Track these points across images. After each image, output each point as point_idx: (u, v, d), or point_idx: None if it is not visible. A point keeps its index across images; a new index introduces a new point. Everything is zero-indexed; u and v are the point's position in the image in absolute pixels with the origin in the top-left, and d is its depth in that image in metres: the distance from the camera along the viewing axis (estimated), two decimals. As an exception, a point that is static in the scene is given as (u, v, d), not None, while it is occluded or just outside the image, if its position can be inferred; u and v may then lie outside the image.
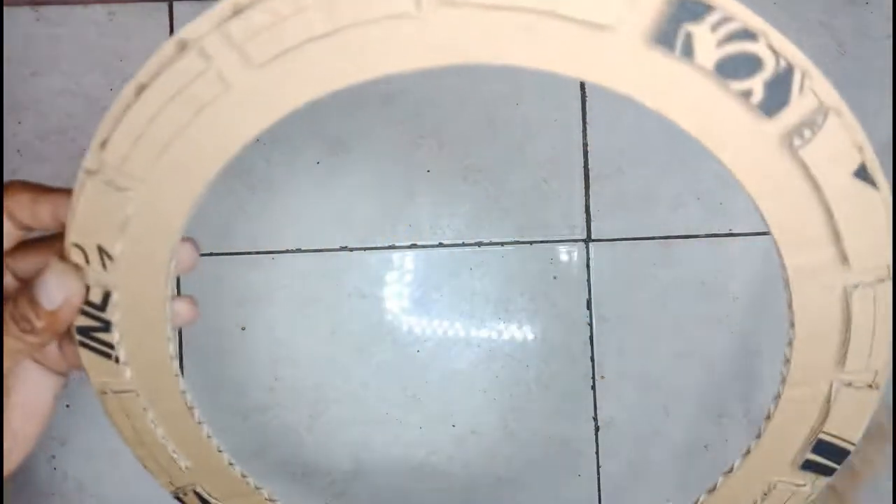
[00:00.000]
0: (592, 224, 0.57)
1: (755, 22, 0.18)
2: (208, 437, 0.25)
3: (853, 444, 0.21)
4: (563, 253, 0.57)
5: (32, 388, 0.25)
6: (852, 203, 0.19)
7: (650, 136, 0.57)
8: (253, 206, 0.57)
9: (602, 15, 0.17)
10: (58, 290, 0.21)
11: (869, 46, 0.57)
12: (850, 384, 0.20)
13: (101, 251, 0.21)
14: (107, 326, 0.23)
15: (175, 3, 0.58)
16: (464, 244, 0.57)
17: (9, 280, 0.24)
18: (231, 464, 0.26)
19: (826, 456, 0.21)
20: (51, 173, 0.58)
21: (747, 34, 0.17)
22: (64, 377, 0.26)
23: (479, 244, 0.57)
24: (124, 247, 0.21)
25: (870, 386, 0.20)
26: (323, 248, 0.57)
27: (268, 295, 0.57)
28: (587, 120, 0.57)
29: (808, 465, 0.22)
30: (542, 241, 0.57)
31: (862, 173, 0.19)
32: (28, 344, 0.22)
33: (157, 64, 0.19)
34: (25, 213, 0.23)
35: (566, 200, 0.57)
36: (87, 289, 0.22)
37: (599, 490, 0.57)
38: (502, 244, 0.57)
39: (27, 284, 0.22)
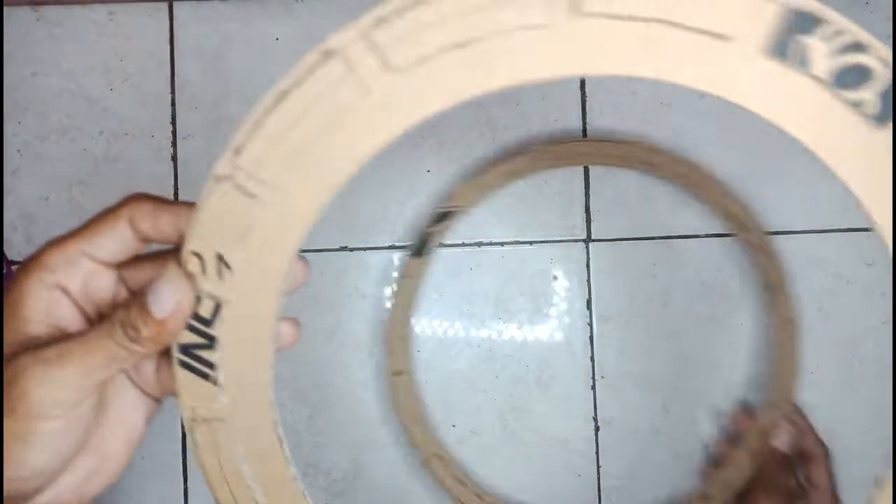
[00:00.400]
0: (592, 224, 0.57)
1: (864, 35, 0.18)
2: (294, 479, 0.24)
3: None
4: (563, 253, 0.57)
5: (128, 410, 0.25)
6: None
7: (650, 135, 0.57)
8: (253, 206, 0.57)
9: (721, 25, 0.18)
10: (169, 298, 0.21)
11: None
12: None
13: (220, 260, 0.22)
14: (211, 343, 0.22)
15: (175, 3, 0.58)
16: (464, 244, 0.57)
17: (122, 291, 0.24)
18: None
19: None
20: (50, 173, 0.58)
21: (858, 46, 0.18)
22: (156, 402, 0.25)
23: (479, 244, 0.57)
24: (244, 256, 0.22)
25: None
26: (323, 247, 0.57)
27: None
28: (587, 120, 0.57)
29: None
30: (542, 241, 0.57)
31: None
32: (130, 353, 0.22)
33: (300, 71, 0.19)
34: (147, 223, 0.23)
35: (566, 200, 0.57)
36: (198, 300, 0.22)
37: (599, 490, 0.57)
38: (502, 244, 0.57)
39: (139, 293, 0.22)
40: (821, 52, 0.18)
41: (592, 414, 0.57)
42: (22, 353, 0.21)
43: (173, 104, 0.58)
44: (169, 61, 0.58)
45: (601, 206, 0.57)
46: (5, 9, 0.58)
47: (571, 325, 0.57)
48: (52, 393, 0.21)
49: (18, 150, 0.58)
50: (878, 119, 0.18)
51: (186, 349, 0.23)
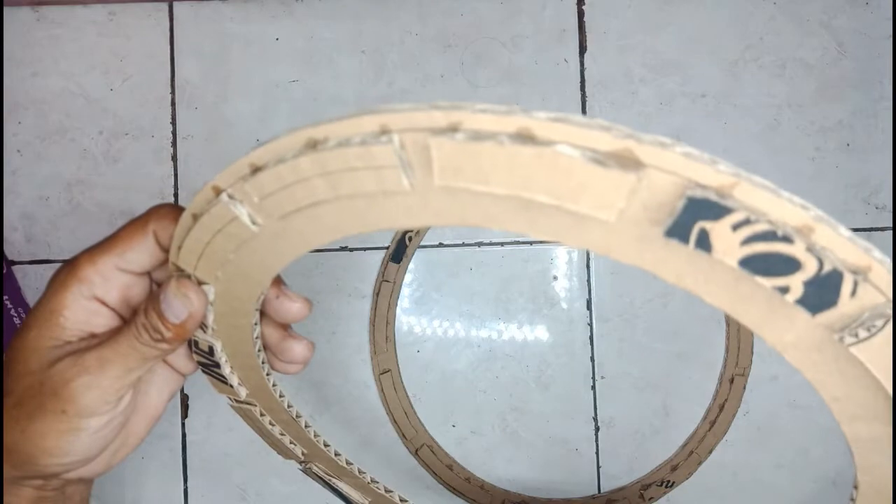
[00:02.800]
0: (592, 224, 0.57)
1: (792, 221, 0.15)
2: (315, 436, 0.28)
3: None
4: (564, 253, 0.57)
5: (155, 392, 0.27)
6: None
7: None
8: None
9: (604, 212, 0.16)
10: (181, 307, 0.23)
11: (869, 47, 0.57)
12: None
13: (202, 325, 0.24)
14: (217, 366, 0.25)
15: (175, 4, 0.58)
16: (464, 244, 0.57)
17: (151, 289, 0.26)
18: (337, 454, 0.29)
19: None
20: (50, 173, 0.58)
21: (779, 236, 0.15)
22: (184, 378, 0.28)
23: (479, 244, 0.57)
24: (215, 315, 0.24)
25: None
26: (322, 248, 0.57)
27: (268, 295, 0.57)
28: (587, 120, 0.57)
29: None
30: (542, 242, 0.57)
31: None
32: (161, 350, 0.24)
33: (201, 201, 0.20)
34: (169, 236, 0.24)
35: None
36: (208, 301, 0.23)
37: (599, 490, 0.56)
38: (502, 244, 0.57)
39: (153, 298, 0.23)
40: (727, 239, 0.15)
41: (592, 414, 0.57)
42: (62, 360, 0.24)
43: (173, 104, 0.58)
44: (169, 61, 0.58)
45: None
46: (5, 9, 0.58)
47: (572, 325, 0.57)
48: (99, 395, 0.24)
49: (18, 150, 0.58)
50: (808, 307, 0.15)
51: (203, 365, 0.26)
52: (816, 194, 0.57)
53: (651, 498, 0.55)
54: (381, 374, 0.56)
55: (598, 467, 0.57)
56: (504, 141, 0.16)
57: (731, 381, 0.55)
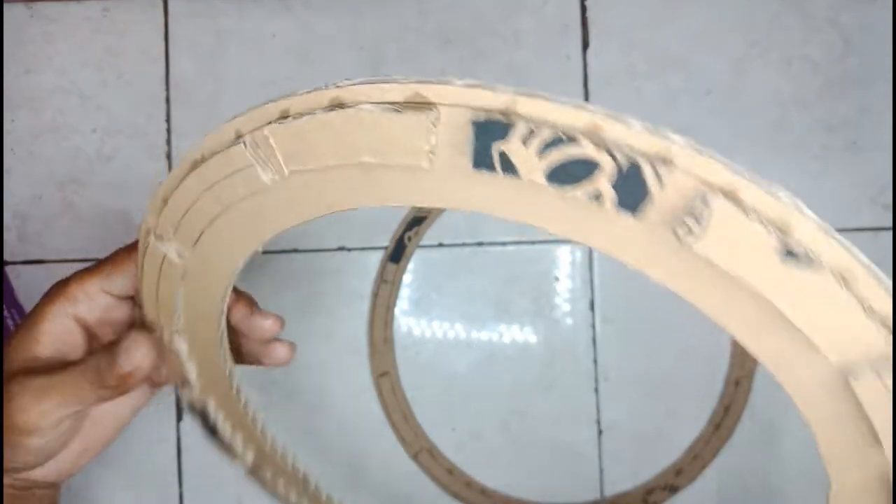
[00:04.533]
0: (595, 224, 0.56)
1: (576, 122, 0.15)
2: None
3: None
4: (566, 253, 0.56)
5: (122, 402, 0.28)
6: (793, 292, 0.15)
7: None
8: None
9: (416, 158, 0.16)
10: (135, 358, 0.24)
11: (875, 43, 0.56)
12: None
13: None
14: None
15: (169, 0, 0.58)
16: (464, 244, 0.56)
17: (139, 314, 0.27)
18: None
19: None
20: (43, 172, 0.57)
21: (564, 139, 0.15)
22: (153, 393, 0.29)
23: (480, 244, 0.56)
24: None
25: None
26: (321, 248, 0.56)
27: (265, 296, 0.56)
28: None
29: None
30: (543, 242, 0.56)
31: (790, 254, 0.15)
32: (98, 396, 0.25)
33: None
34: (129, 286, 0.26)
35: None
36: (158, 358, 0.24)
37: (602, 494, 0.56)
38: (504, 244, 0.56)
39: (114, 345, 0.24)
40: (525, 156, 0.15)
41: (595, 417, 0.56)
42: (16, 376, 0.25)
43: (168, 101, 0.57)
44: (163, 58, 0.58)
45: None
46: None
47: (574, 326, 0.56)
48: (31, 420, 0.25)
49: (12, 149, 0.57)
50: (627, 208, 0.15)
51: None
52: (822, 193, 0.56)
53: (655, 503, 0.54)
54: (380, 376, 0.56)
55: (601, 471, 0.56)
56: (318, 113, 0.17)
57: (737, 383, 0.54)
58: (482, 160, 0.16)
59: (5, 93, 0.57)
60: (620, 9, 0.57)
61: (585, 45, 0.57)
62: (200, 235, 0.20)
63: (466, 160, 0.16)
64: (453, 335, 0.56)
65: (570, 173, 0.15)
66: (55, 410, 0.25)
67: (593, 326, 0.56)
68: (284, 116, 0.17)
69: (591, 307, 0.56)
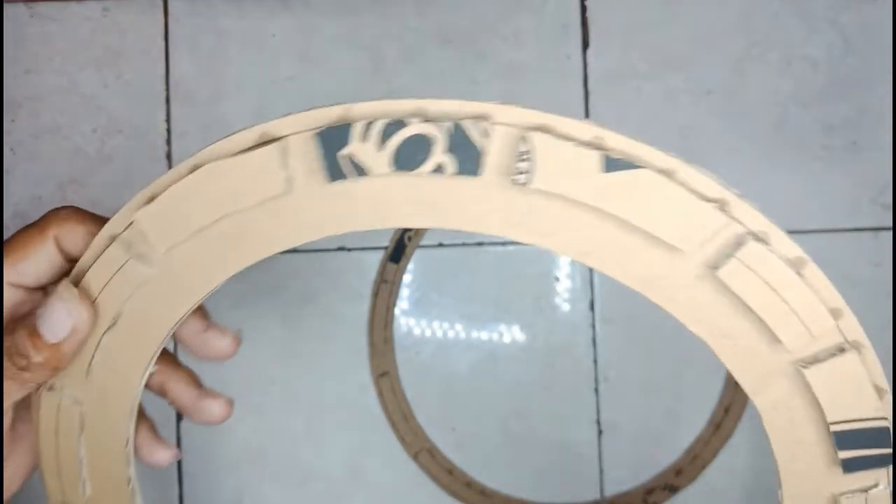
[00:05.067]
0: (595, 224, 0.56)
1: (403, 108, 0.17)
2: None
3: (876, 417, 0.18)
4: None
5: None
6: (628, 196, 0.17)
7: (653, 135, 0.56)
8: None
9: (273, 188, 0.17)
10: (63, 321, 0.19)
11: (875, 43, 0.56)
12: (812, 361, 0.18)
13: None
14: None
15: (169, 0, 0.58)
16: (464, 244, 0.56)
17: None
18: None
19: (859, 446, 0.18)
20: (43, 172, 0.57)
21: (397, 125, 0.16)
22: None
23: (480, 244, 0.56)
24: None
25: (841, 350, 0.17)
26: (320, 248, 0.56)
27: (265, 297, 0.56)
28: (590, 117, 0.56)
29: (852, 465, 0.18)
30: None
31: (613, 162, 0.17)
32: (22, 382, 0.20)
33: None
34: (75, 243, 0.21)
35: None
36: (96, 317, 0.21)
37: (602, 495, 0.56)
38: (504, 244, 0.56)
39: (26, 317, 0.20)
40: (367, 151, 0.17)
41: (595, 418, 0.56)
42: None
43: (168, 101, 0.57)
44: (164, 58, 0.58)
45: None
46: None
47: (574, 327, 0.56)
48: None
49: (12, 149, 0.57)
50: (469, 172, 0.17)
51: None
52: (823, 193, 0.56)
53: (655, 503, 0.54)
54: (380, 376, 0.56)
55: (601, 472, 0.56)
56: (178, 182, 0.18)
57: (737, 383, 0.54)
58: (335, 171, 0.17)
59: (5, 93, 0.57)
60: (620, 9, 0.57)
61: (585, 45, 0.57)
62: (91, 361, 0.19)
63: (322, 176, 0.17)
64: (453, 335, 0.56)
65: (412, 155, 0.17)
66: None
67: (593, 326, 0.56)
68: (151, 199, 0.18)
69: (591, 307, 0.56)
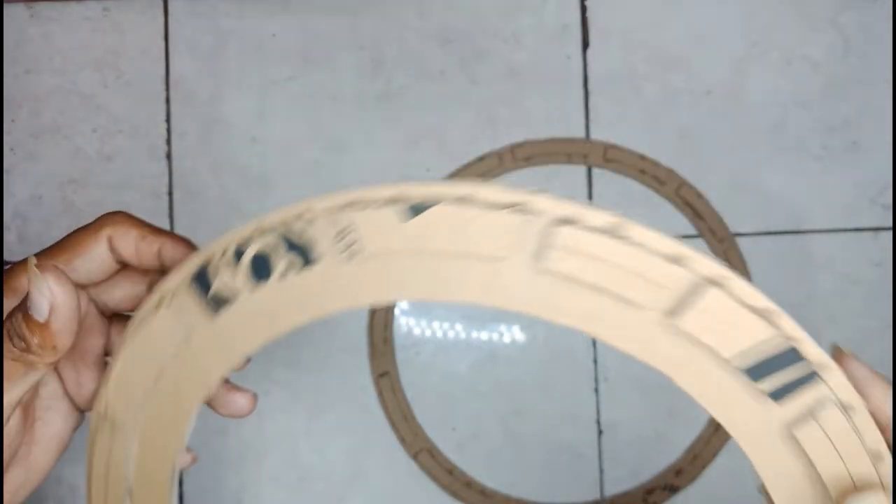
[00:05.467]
0: (595, 224, 0.56)
1: (242, 234, 0.18)
2: None
3: (771, 339, 0.17)
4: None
5: (59, 416, 0.24)
6: (437, 234, 0.19)
7: (653, 135, 0.56)
8: (249, 205, 0.56)
9: (174, 346, 0.20)
10: (42, 298, 0.19)
11: (875, 43, 0.56)
12: (676, 310, 0.18)
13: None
14: None
15: (169, 0, 0.58)
16: (464, 244, 0.56)
17: (92, 310, 0.23)
18: None
19: (770, 371, 0.18)
20: (43, 172, 0.57)
21: (243, 246, 0.18)
22: (81, 414, 0.24)
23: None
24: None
25: (698, 289, 0.17)
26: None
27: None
28: (590, 117, 0.56)
29: (778, 393, 0.18)
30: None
31: (414, 209, 0.18)
32: (27, 366, 0.20)
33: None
34: (127, 247, 0.22)
35: (569, 197, 0.56)
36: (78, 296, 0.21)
37: (602, 495, 0.56)
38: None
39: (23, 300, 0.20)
40: (224, 279, 0.19)
41: (595, 418, 0.56)
42: None
43: (168, 101, 0.57)
44: (163, 58, 0.57)
45: (604, 205, 0.56)
46: (-3, 4, 0.57)
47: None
48: None
49: (12, 149, 0.57)
50: (312, 263, 0.19)
51: None
52: (822, 193, 0.56)
53: (655, 503, 0.54)
54: (380, 376, 0.56)
55: (601, 472, 0.56)
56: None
57: None
58: (214, 305, 0.19)
59: (5, 93, 0.57)
60: (620, 9, 0.57)
61: (585, 45, 0.57)
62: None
63: (207, 315, 0.19)
64: (453, 335, 0.56)
65: (263, 267, 0.18)
66: None
67: (593, 326, 0.56)
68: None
69: (591, 307, 0.56)
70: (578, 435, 0.56)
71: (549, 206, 0.18)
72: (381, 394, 0.56)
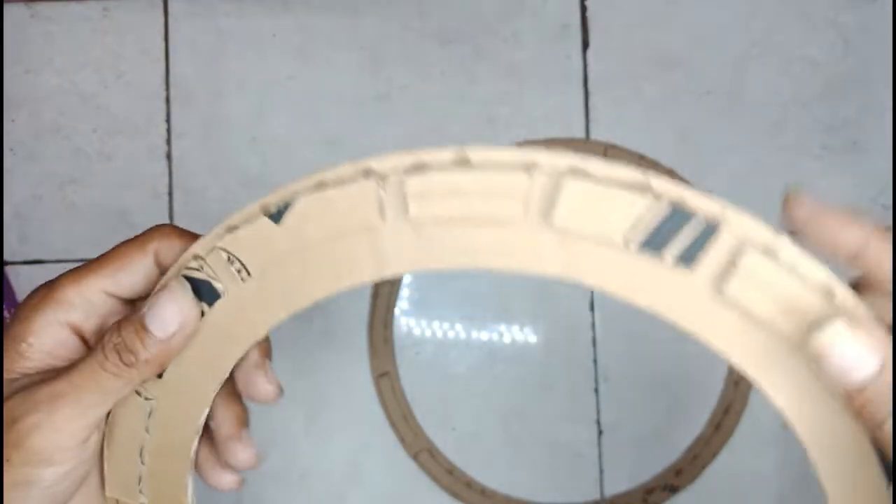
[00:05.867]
0: (595, 224, 0.56)
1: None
2: None
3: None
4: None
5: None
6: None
7: (653, 135, 0.56)
8: (249, 205, 0.56)
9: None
10: (173, 314, 0.19)
11: (875, 43, 0.56)
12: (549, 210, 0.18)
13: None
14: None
15: (169, 0, 0.58)
16: (464, 244, 0.56)
17: (113, 305, 0.22)
18: None
19: (664, 241, 0.17)
20: (43, 172, 0.57)
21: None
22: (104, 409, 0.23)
23: (480, 244, 0.56)
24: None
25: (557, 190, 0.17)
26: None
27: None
28: (590, 117, 0.56)
29: (686, 256, 0.17)
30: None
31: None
32: (127, 380, 0.20)
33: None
34: (173, 255, 0.21)
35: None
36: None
37: (602, 495, 0.56)
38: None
39: (134, 309, 0.20)
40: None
41: (595, 418, 0.56)
42: (11, 397, 0.20)
43: (168, 101, 0.57)
44: (164, 58, 0.57)
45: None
46: None
47: (574, 326, 0.56)
48: (50, 439, 0.20)
49: (11, 149, 0.57)
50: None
51: None
52: (822, 193, 0.56)
53: (655, 503, 0.54)
54: (380, 376, 0.56)
55: (601, 472, 0.56)
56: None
57: (737, 383, 0.54)
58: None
59: (5, 93, 0.57)
60: (620, 9, 0.57)
61: (585, 45, 0.57)
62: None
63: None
64: (453, 335, 0.56)
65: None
66: (80, 416, 0.20)
67: (593, 326, 0.56)
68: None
69: (591, 307, 0.56)
70: (578, 435, 0.56)
71: (391, 166, 0.18)
72: (381, 394, 0.56)
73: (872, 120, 0.56)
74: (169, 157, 0.57)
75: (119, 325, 0.20)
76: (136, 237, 0.22)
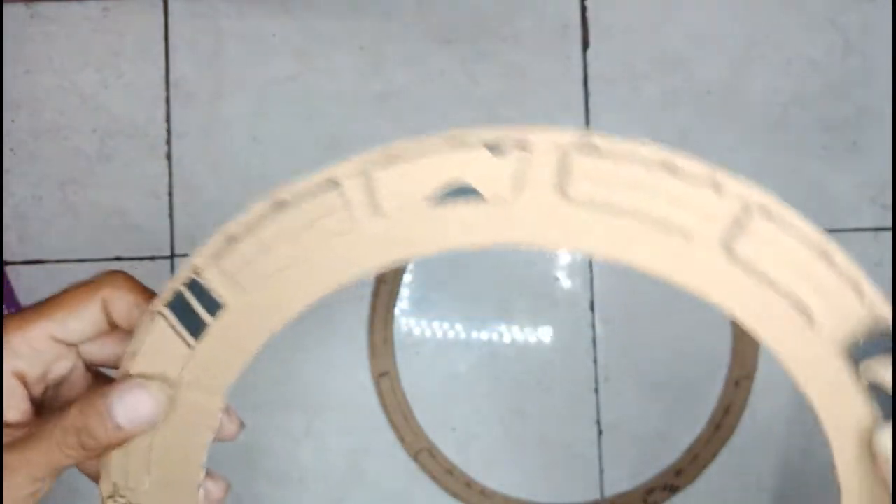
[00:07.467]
0: (595, 224, 0.56)
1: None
2: None
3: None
4: (565, 254, 0.56)
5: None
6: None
7: (653, 135, 0.56)
8: (249, 205, 0.56)
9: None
10: (148, 409, 0.20)
11: (875, 43, 0.56)
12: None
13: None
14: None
15: (169, 0, 0.58)
16: (464, 244, 0.56)
17: (79, 365, 0.22)
18: None
19: None
20: (43, 172, 0.57)
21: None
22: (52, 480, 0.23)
23: (480, 244, 0.56)
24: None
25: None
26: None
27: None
28: (590, 117, 0.57)
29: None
30: (543, 242, 0.56)
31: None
32: (77, 458, 0.20)
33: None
34: (122, 313, 0.21)
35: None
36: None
37: (602, 495, 0.56)
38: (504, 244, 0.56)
39: (96, 395, 0.20)
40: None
41: (595, 418, 0.56)
42: None
43: (168, 101, 0.57)
44: (164, 58, 0.57)
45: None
46: None
47: (574, 327, 0.56)
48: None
49: (12, 149, 0.57)
50: None
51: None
52: (822, 192, 0.56)
53: (655, 503, 0.54)
54: (380, 376, 0.56)
55: (601, 472, 0.56)
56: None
57: (737, 383, 0.54)
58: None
59: (5, 93, 0.57)
60: (620, 9, 0.57)
61: (585, 45, 0.57)
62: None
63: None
64: (453, 335, 0.56)
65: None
66: (28, 486, 0.20)
67: (593, 326, 0.56)
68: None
69: (591, 307, 0.56)
70: (578, 435, 0.56)
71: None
72: (381, 394, 0.55)
73: (872, 120, 0.56)
74: (169, 157, 0.57)
75: (81, 407, 0.20)
76: (87, 282, 0.22)
